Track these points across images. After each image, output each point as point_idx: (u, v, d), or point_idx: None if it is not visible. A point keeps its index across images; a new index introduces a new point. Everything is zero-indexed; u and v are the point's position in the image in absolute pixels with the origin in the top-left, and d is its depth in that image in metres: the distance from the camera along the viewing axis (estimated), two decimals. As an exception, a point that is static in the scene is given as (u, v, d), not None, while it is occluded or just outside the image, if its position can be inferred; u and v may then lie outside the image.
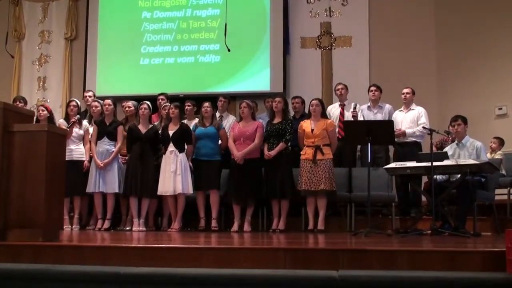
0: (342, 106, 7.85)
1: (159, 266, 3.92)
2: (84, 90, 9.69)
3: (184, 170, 6.90)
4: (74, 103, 7.52)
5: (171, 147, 6.95)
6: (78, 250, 4.35)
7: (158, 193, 6.96)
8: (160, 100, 8.05)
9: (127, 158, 7.23)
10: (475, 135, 6.81)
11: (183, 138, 7.01)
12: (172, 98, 8.21)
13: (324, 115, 7.07)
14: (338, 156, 7.22)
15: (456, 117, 6.59)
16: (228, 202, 7.08)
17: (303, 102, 7.77)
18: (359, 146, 7.79)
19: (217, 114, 7.79)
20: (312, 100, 7.07)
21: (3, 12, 10.55)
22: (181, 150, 6.95)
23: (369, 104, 7.81)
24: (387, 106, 7.77)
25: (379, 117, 7.60)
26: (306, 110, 7.50)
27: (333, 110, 7.93)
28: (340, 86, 7.96)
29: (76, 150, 7.25)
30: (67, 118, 7.43)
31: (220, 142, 7.25)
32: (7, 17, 10.40)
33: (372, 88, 7.80)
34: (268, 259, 3.98)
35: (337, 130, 7.28)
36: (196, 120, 7.51)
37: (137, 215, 7.01)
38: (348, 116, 7.62)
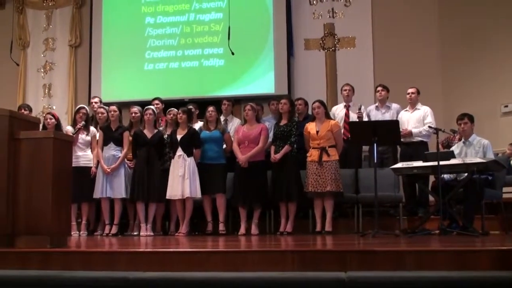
0: (347, 107, 7.84)
1: (167, 271, 3.92)
2: (89, 97, 9.75)
3: (192, 174, 6.91)
4: (84, 110, 7.54)
5: (179, 152, 6.96)
6: (86, 256, 4.35)
7: (167, 197, 6.98)
8: (155, 105, 7.97)
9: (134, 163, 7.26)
10: (481, 133, 6.79)
11: (191, 142, 7.02)
12: (177, 103, 8.21)
13: (328, 115, 7.06)
14: (344, 157, 7.21)
15: (462, 115, 6.57)
16: (234, 206, 7.09)
17: (306, 103, 7.75)
18: (366, 147, 7.77)
19: (222, 118, 7.79)
20: (314, 102, 7.06)
21: (7, 20, 10.60)
22: (189, 154, 6.97)
23: (377, 104, 7.80)
24: (395, 106, 7.74)
25: (387, 117, 7.56)
26: (310, 112, 7.49)
27: (338, 111, 7.91)
28: (347, 87, 7.94)
29: (83, 157, 7.27)
30: (74, 124, 7.45)
31: (224, 146, 7.27)
32: (11, 25, 10.45)
33: (379, 88, 7.77)
34: (276, 261, 3.96)
35: (342, 131, 7.27)
36: (199, 123, 7.52)
37: (145, 220, 7.03)
38: (353, 117, 7.61)
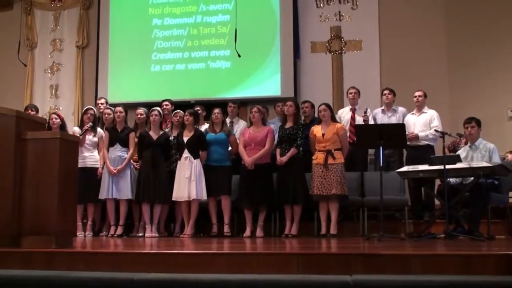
0: (353, 110, 7.83)
1: (172, 272, 3.92)
2: (96, 98, 9.78)
3: (199, 176, 6.91)
4: (92, 111, 7.56)
5: (185, 154, 6.97)
6: (91, 257, 4.35)
7: (173, 199, 6.99)
8: (164, 106, 8.02)
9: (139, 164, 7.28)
10: (488, 137, 6.77)
11: (198, 144, 7.03)
12: (183, 105, 8.23)
13: (334, 119, 7.06)
14: (349, 160, 7.19)
15: (470, 119, 6.55)
16: (239, 208, 7.09)
17: (312, 106, 7.73)
18: (371, 150, 7.76)
19: (228, 120, 7.80)
20: (320, 105, 7.06)
21: (15, 21, 10.67)
22: (195, 156, 6.98)
23: (383, 108, 7.79)
24: (401, 109, 7.73)
25: (393, 120, 7.56)
26: (316, 115, 7.49)
27: (344, 114, 7.91)
28: (353, 91, 7.94)
29: (90, 157, 7.28)
30: (81, 125, 7.47)
31: (230, 148, 7.27)
32: (19, 26, 10.50)
33: (385, 91, 7.77)
34: (281, 264, 3.96)
35: (348, 134, 7.26)
36: (206, 125, 7.53)
37: (150, 221, 7.03)
38: (359, 120, 7.60)
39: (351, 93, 7.93)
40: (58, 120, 7.25)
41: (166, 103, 8.07)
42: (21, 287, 3.89)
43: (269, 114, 8.29)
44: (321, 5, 10.10)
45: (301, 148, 6.92)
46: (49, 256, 4.31)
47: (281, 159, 6.85)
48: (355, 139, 7.02)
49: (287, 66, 9.88)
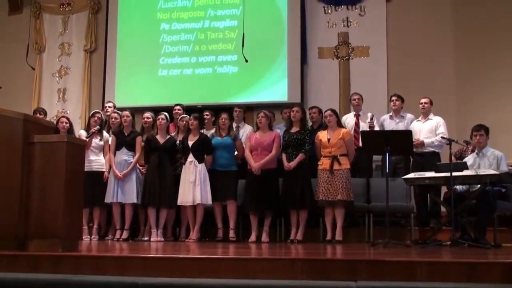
0: (357, 116, 7.83)
1: (177, 277, 3.93)
2: (103, 102, 9.82)
3: (203, 180, 6.93)
4: (99, 115, 7.59)
5: (190, 158, 6.99)
6: (97, 260, 4.37)
7: (178, 203, 7.00)
8: (176, 110, 8.06)
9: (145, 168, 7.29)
10: (495, 145, 6.74)
11: (202, 149, 7.04)
12: (190, 109, 8.25)
13: (340, 124, 7.06)
14: (355, 166, 7.18)
15: (478, 126, 6.53)
16: (245, 213, 7.09)
17: (320, 112, 7.74)
18: (377, 156, 7.75)
19: (234, 124, 7.81)
20: (326, 111, 7.09)
21: (24, 25, 10.71)
22: (200, 160, 6.99)
23: (391, 114, 7.79)
24: (409, 116, 7.72)
25: (401, 126, 7.55)
26: (324, 120, 7.50)
27: (348, 119, 7.91)
28: (356, 97, 7.96)
29: (96, 161, 7.31)
30: (88, 129, 7.49)
31: (236, 152, 7.27)
32: (28, 29, 10.56)
33: (393, 97, 7.77)
34: (286, 269, 3.96)
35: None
36: (214, 130, 7.55)
37: (155, 225, 7.04)
38: (363, 126, 7.61)
39: (355, 99, 7.95)
40: (68, 124, 7.30)
41: (179, 107, 8.11)
42: (27, 290, 3.91)
43: (275, 119, 8.29)
44: (329, 11, 10.10)
45: (307, 154, 6.92)
46: (55, 260, 4.32)
47: (289, 165, 6.84)
48: (361, 145, 7.01)
49: (294, 72, 9.87)
